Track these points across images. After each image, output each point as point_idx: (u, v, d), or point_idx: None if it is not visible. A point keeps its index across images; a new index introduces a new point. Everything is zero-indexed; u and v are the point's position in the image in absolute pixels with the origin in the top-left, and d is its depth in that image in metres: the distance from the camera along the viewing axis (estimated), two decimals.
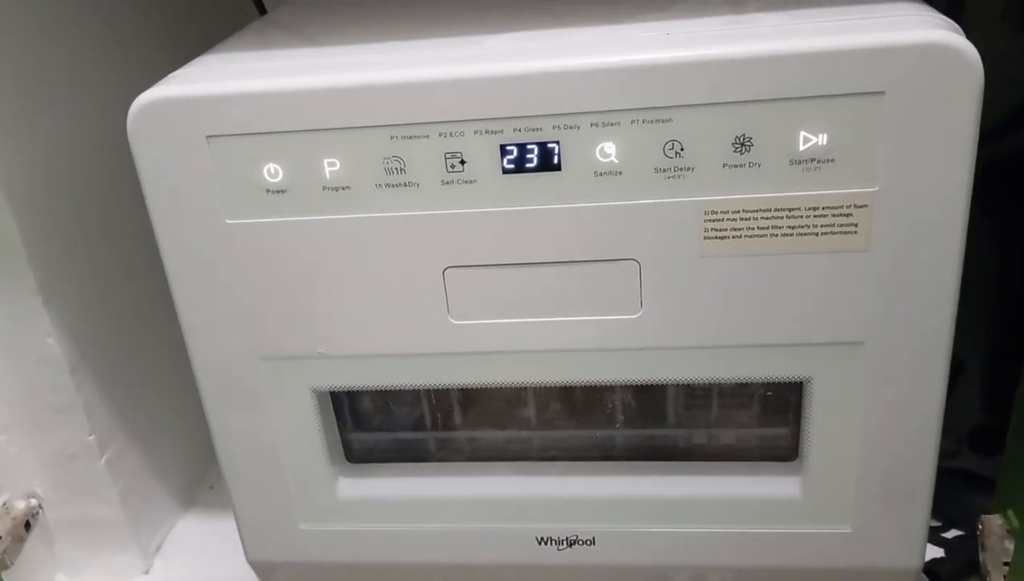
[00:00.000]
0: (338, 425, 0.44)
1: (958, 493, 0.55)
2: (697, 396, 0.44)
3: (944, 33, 0.32)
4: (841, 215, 0.34)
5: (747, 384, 0.42)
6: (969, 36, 0.32)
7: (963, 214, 0.34)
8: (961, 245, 0.34)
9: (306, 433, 0.42)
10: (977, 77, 0.32)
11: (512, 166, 0.35)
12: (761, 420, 0.43)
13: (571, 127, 0.34)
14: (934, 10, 0.34)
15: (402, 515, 0.45)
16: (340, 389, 0.42)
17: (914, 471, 0.39)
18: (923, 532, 0.41)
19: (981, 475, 0.56)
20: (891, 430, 0.38)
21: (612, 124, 0.34)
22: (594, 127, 0.34)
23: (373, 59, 0.36)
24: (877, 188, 0.34)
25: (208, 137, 0.36)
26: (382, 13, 0.45)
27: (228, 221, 0.37)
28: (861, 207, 0.34)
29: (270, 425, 0.42)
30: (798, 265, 0.35)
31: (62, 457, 0.55)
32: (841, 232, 0.35)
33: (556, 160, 0.35)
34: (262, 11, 0.48)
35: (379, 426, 0.46)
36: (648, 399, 0.44)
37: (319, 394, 0.42)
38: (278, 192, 0.37)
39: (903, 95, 0.32)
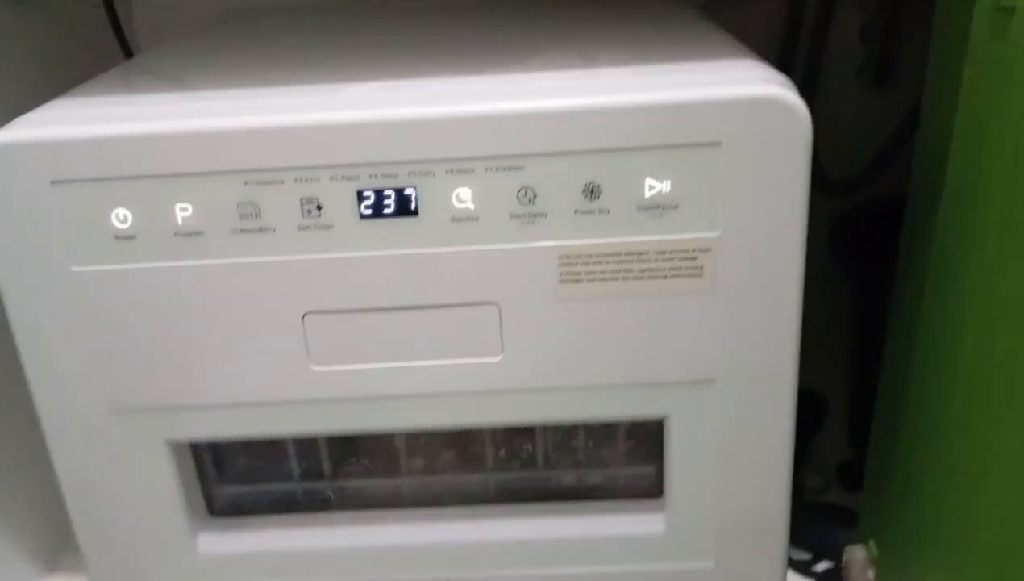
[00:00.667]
0: (200, 478, 0.43)
1: (827, 527, 0.57)
2: (566, 437, 0.44)
3: (775, 88, 0.34)
4: (687, 259, 0.36)
5: (613, 424, 0.43)
6: (827, 94, 0.35)
7: (799, 256, 0.36)
8: (799, 286, 0.36)
9: (163, 487, 0.41)
10: (805, 129, 0.34)
11: (369, 212, 0.35)
12: (627, 459, 0.44)
13: (427, 173, 0.35)
14: (771, 67, 0.36)
15: (267, 570, 0.43)
16: (198, 440, 0.41)
17: (770, 504, 0.41)
18: (782, 565, 0.42)
19: (849, 509, 0.58)
20: (745, 465, 0.40)
21: (467, 171, 0.35)
22: (449, 174, 0.35)
23: (231, 105, 0.36)
24: (719, 233, 0.35)
25: (52, 182, 0.35)
26: (252, 60, 0.45)
27: (74, 268, 0.36)
28: (704, 251, 0.35)
29: (124, 480, 0.41)
30: (649, 307, 0.37)
31: None
32: (688, 275, 0.36)
33: (413, 205, 0.35)
34: (128, 54, 0.47)
35: (242, 478, 0.45)
36: (517, 442, 0.44)
37: (176, 447, 0.40)
38: (127, 238, 0.36)
39: (738, 146, 0.34)
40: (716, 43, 0.41)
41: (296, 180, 0.35)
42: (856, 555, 0.50)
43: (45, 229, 0.36)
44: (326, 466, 0.45)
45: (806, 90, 0.58)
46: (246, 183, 0.35)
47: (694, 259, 0.36)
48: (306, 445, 0.44)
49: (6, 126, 0.36)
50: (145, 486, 0.41)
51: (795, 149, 0.34)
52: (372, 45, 0.47)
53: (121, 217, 0.35)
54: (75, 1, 0.58)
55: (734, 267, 0.36)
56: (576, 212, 0.35)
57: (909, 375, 0.41)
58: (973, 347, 0.35)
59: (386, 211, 0.35)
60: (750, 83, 0.34)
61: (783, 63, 0.62)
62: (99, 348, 0.38)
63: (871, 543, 0.50)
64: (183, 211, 0.35)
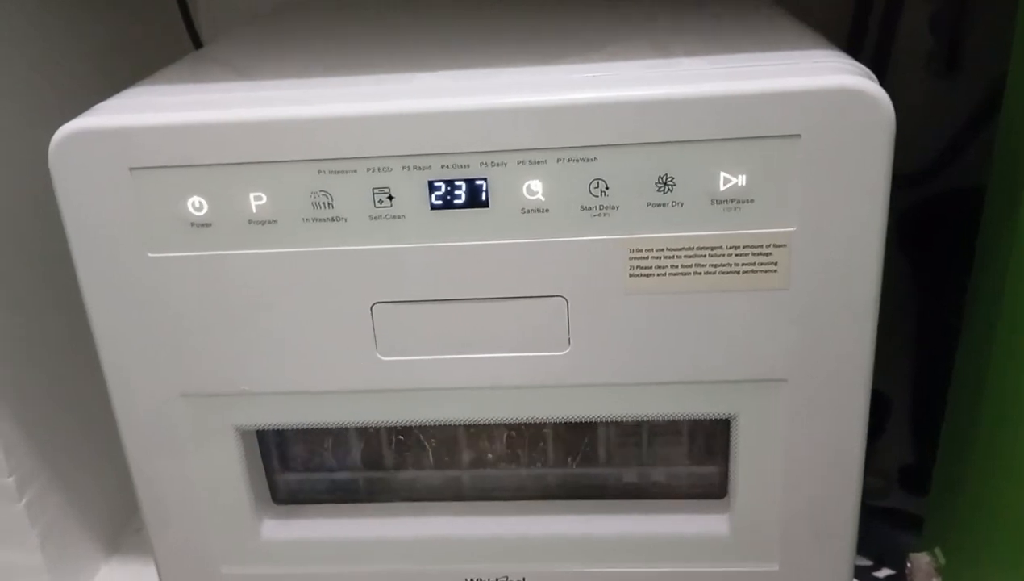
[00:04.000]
0: (264, 465, 0.43)
1: (889, 532, 0.56)
2: (628, 434, 0.44)
3: (857, 79, 0.33)
4: (761, 254, 0.35)
5: (677, 422, 0.43)
6: (894, 84, 0.34)
7: (878, 254, 0.35)
8: (877, 284, 0.35)
9: (229, 473, 0.41)
10: (888, 121, 0.33)
11: (440, 202, 0.35)
12: (691, 458, 0.43)
13: (498, 164, 0.35)
14: (849, 57, 0.36)
15: (327, 557, 0.44)
16: (265, 427, 0.42)
17: (838, 508, 0.40)
18: (848, 569, 0.41)
19: (912, 514, 0.56)
20: (814, 467, 0.39)
21: (538, 162, 0.35)
22: (520, 165, 0.35)
23: (303, 94, 0.37)
24: (795, 228, 0.35)
25: (131, 169, 0.35)
26: (317, 49, 0.45)
27: (150, 254, 0.37)
28: (780, 246, 0.35)
29: (192, 464, 0.41)
30: (720, 303, 0.36)
31: None
32: (761, 271, 0.35)
33: (484, 197, 0.35)
34: (197, 45, 0.48)
35: (306, 466, 0.45)
36: (579, 437, 0.44)
37: (243, 433, 0.41)
38: (202, 225, 0.36)
39: (818, 138, 0.33)
40: (791, 32, 0.40)
41: (368, 169, 0.35)
42: (921, 562, 0.49)
43: (122, 215, 0.36)
44: (387, 456, 0.45)
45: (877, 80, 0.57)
46: (319, 172, 0.35)
47: (768, 254, 0.35)
48: (367, 435, 0.45)
49: (84, 113, 0.36)
50: (212, 471, 0.41)
51: (877, 142, 0.33)
52: (438, 34, 0.47)
53: (197, 205, 0.36)
54: None
55: (810, 263, 0.35)
56: (648, 205, 0.35)
57: (984, 377, 0.40)
58: None
59: (457, 202, 0.35)
60: (831, 74, 0.33)
61: (852, 52, 0.60)
62: (172, 334, 0.38)
63: (937, 551, 0.48)
64: (257, 200, 0.36)
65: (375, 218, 0.36)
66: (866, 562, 0.54)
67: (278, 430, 0.44)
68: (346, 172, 0.35)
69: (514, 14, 0.50)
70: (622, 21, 0.46)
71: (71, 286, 0.38)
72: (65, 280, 0.40)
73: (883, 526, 0.56)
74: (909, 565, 0.50)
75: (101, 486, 0.61)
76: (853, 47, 0.61)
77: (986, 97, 0.59)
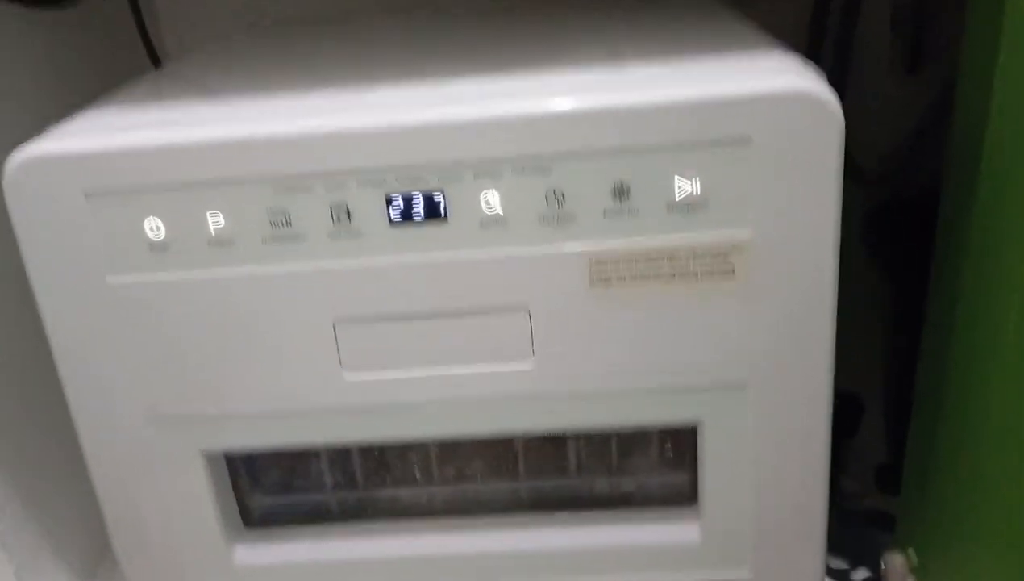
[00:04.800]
0: (234, 488, 0.43)
1: (865, 533, 0.56)
2: (597, 443, 0.44)
3: (805, 81, 0.33)
4: (718, 258, 0.35)
5: (645, 431, 0.43)
6: (855, 85, 0.34)
7: (833, 255, 0.35)
8: (833, 285, 0.36)
9: (198, 497, 0.41)
10: (837, 123, 0.33)
11: (398, 217, 0.35)
12: (660, 465, 0.43)
13: (454, 177, 0.35)
14: (802, 59, 0.36)
15: (302, 580, 0.43)
16: (232, 450, 0.41)
17: (808, 511, 0.40)
18: (821, 573, 0.41)
19: (889, 514, 0.57)
20: (781, 471, 0.39)
21: (494, 174, 0.35)
22: (477, 177, 0.35)
23: (255, 112, 0.37)
24: (751, 232, 0.35)
25: (87, 194, 0.35)
26: (275, 67, 0.45)
27: (109, 278, 0.36)
28: (736, 250, 0.35)
29: (160, 489, 0.41)
30: (681, 308, 0.36)
31: None
32: (719, 275, 0.35)
33: (441, 210, 0.35)
34: (156, 63, 0.48)
35: (277, 488, 0.45)
36: (549, 449, 0.44)
37: (210, 456, 0.41)
38: (160, 248, 0.36)
39: (768, 142, 0.33)
40: (743, 35, 0.40)
41: (325, 187, 0.35)
42: (894, 562, 0.49)
43: (79, 240, 0.36)
44: (358, 476, 0.45)
45: (836, 81, 0.57)
46: (275, 191, 0.35)
47: (726, 258, 0.35)
48: (339, 455, 0.44)
49: (37, 138, 0.36)
50: (181, 497, 0.41)
51: (827, 144, 0.33)
52: (396, 50, 0.47)
53: (154, 227, 0.36)
54: (101, 9, 0.59)
55: (767, 266, 0.35)
56: (605, 213, 0.35)
57: (948, 375, 0.40)
58: (1015, 344, 0.34)
59: (415, 216, 0.35)
60: (779, 77, 0.34)
61: (811, 54, 0.61)
62: (134, 357, 0.38)
63: (910, 551, 0.48)
64: (215, 220, 0.36)
65: (334, 235, 0.36)
66: (843, 564, 0.54)
67: (247, 453, 0.43)
68: (302, 189, 0.35)
69: (469, 27, 0.51)
70: (575, 28, 0.47)
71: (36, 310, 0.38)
72: (32, 301, 0.39)
73: (860, 528, 0.56)
74: (883, 566, 0.50)
75: (77, 514, 0.60)
76: (813, 50, 0.61)
77: (943, 95, 0.59)
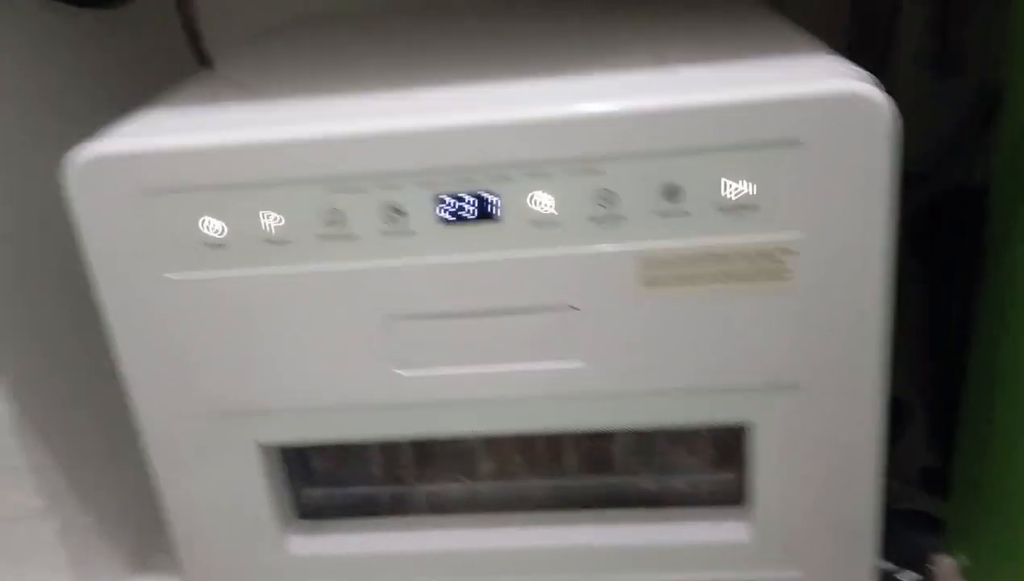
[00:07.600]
0: (290, 481, 0.44)
1: (912, 535, 0.55)
2: (645, 441, 0.44)
3: (856, 83, 0.33)
4: (769, 260, 0.35)
5: (692, 430, 0.43)
6: (893, 85, 0.34)
7: (886, 256, 0.35)
8: (885, 286, 0.35)
9: (254, 489, 0.42)
10: (890, 124, 0.33)
11: (450, 217, 0.36)
12: (709, 465, 0.43)
13: (506, 178, 0.35)
14: (848, 61, 0.36)
15: (354, 572, 0.44)
16: (287, 444, 0.42)
17: (858, 512, 0.40)
18: (871, 572, 0.41)
19: (934, 516, 0.56)
20: (832, 471, 0.39)
21: (546, 174, 0.35)
22: (528, 178, 0.35)
23: (310, 113, 0.37)
24: (803, 234, 0.35)
25: (146, 192, 0.36)
26: (323, 66, 0.46)
27: (167, 275, 0.37)
28: (787, 252, 0.35)
29: (217, 481, 0.42)
30: (731, 310, 0.36)
31: (6, 521, 0.53)
32: (770, 277, 0.35)
33: (493, 210, 0.36)
34: (204, 63, 0.48)
35: (331, 481, 0.46)
36: (598, 446, 0.44)
37: (266, 449, 0.42)
38: (217, 246, 0.37)
39: (820, 144, 0.33)
40: (787, 37, 0.40)
41: (378, 187, 0.36)
42: (945, 565, 0.49)
43: (137, 238, 0.37)
44: (409, 470, 0.46)
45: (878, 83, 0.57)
46: (330, 190, 0.36)
47: (777, 260, 0.35)
48: (390, 449, 0.45)
49: (95, 138, 0.37)
50: (237, 488, 0.42)
51: (879, 145, 0.33)
52: (442, 48, 0.47)
53: (210, 226, 0.37)
54: (148, 8, 0.60)
55: (818, 268, 0.35)
56: (656, 214, 0.35)
57: (999, 377, 0.40)
58: None
59: (466, 216, 0.36)
60: (830, 79, 0.33)
61: (852, 56, 0.60)
62: (192, 353, 0.39)
63: (960, 555, 0.48)
64: (270, 219, 0.36)
65: (386, 234, 0.36)
66: (890, 566, 0.54)
67: (301, 446, 0.44)
68: (356, 190, 0.36)
69: (515, 27, 0.51)
70: (620, 30, 0.47)
71: (94, 308, 0.39)
72: (88, 303, 0.40)
73: (905, 529, 0.56)
74: (933, 568, 0.49)
75: (128, 506, 0.62)
76: (853, 51, 0.61)
77: (985, 95, 0.58)
